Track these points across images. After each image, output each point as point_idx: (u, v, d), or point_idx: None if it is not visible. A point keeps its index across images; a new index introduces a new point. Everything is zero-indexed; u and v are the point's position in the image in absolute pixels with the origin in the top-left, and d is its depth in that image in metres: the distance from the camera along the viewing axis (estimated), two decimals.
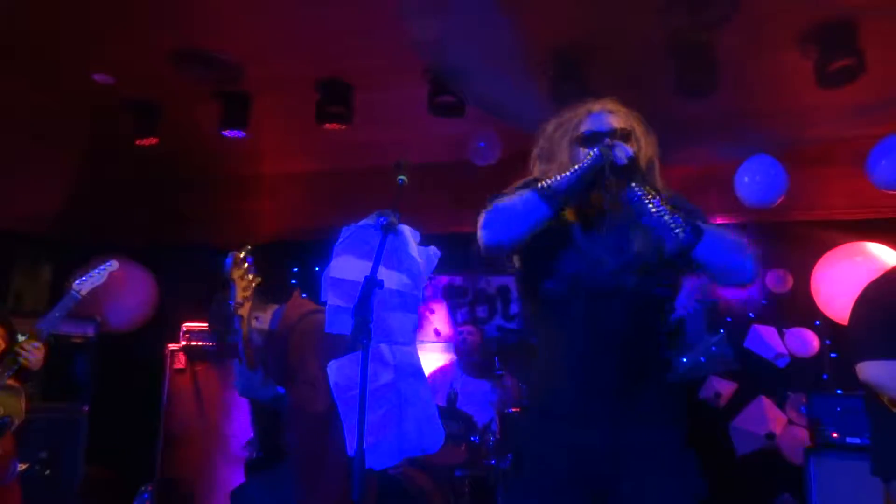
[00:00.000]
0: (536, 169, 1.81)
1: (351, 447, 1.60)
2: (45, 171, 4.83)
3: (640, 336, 1.66)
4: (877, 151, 3.75)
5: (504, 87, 3.72)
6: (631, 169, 1.57)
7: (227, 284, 2.28)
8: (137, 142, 4.14)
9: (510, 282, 5.47)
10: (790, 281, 4.73)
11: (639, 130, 1.74)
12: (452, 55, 3.50)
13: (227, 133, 4.03)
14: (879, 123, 3.84)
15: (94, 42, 3.53)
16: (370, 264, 1.60)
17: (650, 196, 1.57)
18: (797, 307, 4.66)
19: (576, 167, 1.60)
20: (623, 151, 1.58)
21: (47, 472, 3.98)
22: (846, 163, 4.07)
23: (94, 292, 3.03)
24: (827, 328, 4.55)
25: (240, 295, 2.26)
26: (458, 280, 5.53)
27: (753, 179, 4.06)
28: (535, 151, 1.84)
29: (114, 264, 3.11)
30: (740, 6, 3.03)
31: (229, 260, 2.28)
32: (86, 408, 4.43)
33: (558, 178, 1.59)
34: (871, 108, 3.78)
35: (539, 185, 1.60)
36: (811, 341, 4.60)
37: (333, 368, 1.76)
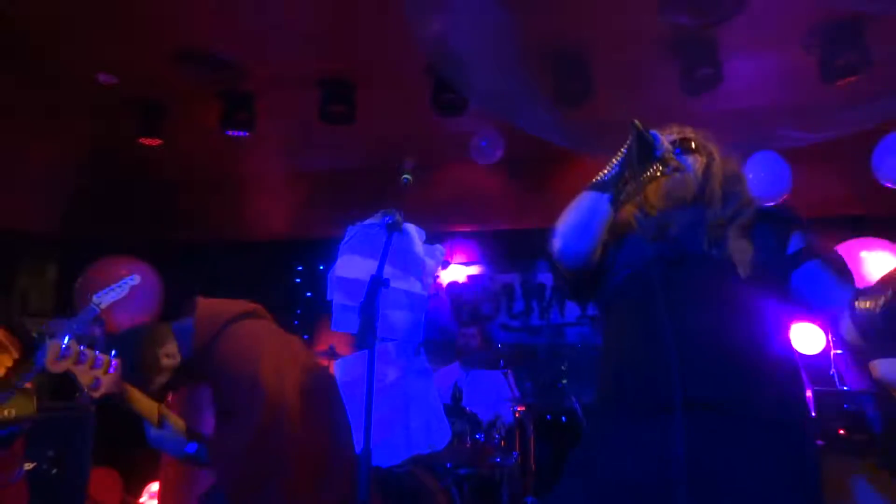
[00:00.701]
0: None
1: (358, 445, 1.60)
2: (50, 170, 4.85)
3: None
4: (883, 147, 3.73)
5: (507, 85, 3.72)
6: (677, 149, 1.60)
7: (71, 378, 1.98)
8: (141, 141, 4.16)
9: (514, 279, 5.47)
10: None
11: (712, 148, 1.70)
12: (455, 54, 3.50)
13: (230, 132, 4.04)
14: (884, 120, 3.82)
15: (98, 42, 3.54)
16: (376, 263, 1.60)
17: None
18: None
19: (618, 156, 1.59)
20: (658, 137, 1.56)
21: (54, 470, 3.98)
22: (851, 159, 4.06)
23: (115, 305, 3.00)
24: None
25: (85, 381, 1.98)
26: (463, 278, 5.53)
27: (758, 176, 4.05)
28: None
29: (136, 278, 3.07)
30: (745, 4, 3.02)
31: (41, 353, 2.04)
32: (93, 407, 4.43)
33: (605, 171, 1.59)
34: (875, 103, 3.77)
35: (597, 181, 1.60)
36: (817, 338, 4.59)
37: (340, 366, 1.77)
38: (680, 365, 1.39)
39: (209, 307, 2.14)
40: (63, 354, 1.94)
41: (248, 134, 4.06)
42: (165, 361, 2.08)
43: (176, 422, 2.12)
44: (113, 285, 2.89)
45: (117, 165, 4.85)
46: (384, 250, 1.63)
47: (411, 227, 1.83)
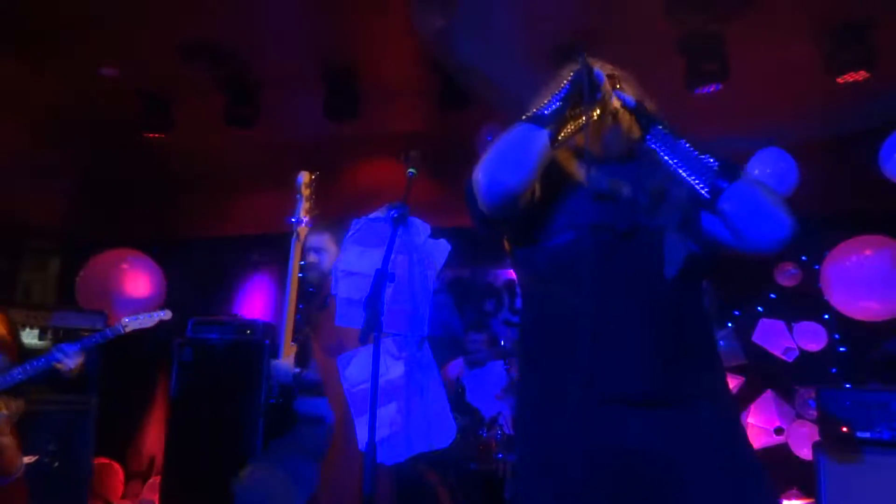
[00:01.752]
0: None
1: (362, 441, 1.59)
2: (53, 166, 4.84)
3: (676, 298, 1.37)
4: (890, 143, 3.71)
5: (512, 80, 3.70)
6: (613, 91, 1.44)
7: (296, 200, 2.44)
8: (145, 135, 4.15)
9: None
10: (799, 274, 4.71)
11: (632, 88, 1.55)
12: (460, 49, 3.48)
13: (233, 127, 4.04)
14: (892, 115, 3.81)
15: (102, 36, 3.52)
16: (381, 257, 1.60)
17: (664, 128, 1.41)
18: (806, 301, 4.63)
19: (556, 90, 1.40)
20: (602, 75, 1.42)
21: (56, 464, 3.99)
22: (858, 155, 4.04)
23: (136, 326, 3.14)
24: (836, 322, 4.52)
25: (302, 213, 2.44)
26: (466, 273, 5.52)
27: (764, 172, 4.03)
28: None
29: (167, 313, 3.21)
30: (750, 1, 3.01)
31: (300, 178, 2.49)
32: (94, 400, 4.44)
33: (542, 105, 1.40)
34: (883, 99, 3.75)
35: (525, 115, 1.40)
36: (820, 335, 4.57)
37: (344, 362, 1.76)
38: (594, 360, 1.27)
39: None
40: (310, 183, 2.52)
41: (251, 128, 4.05)
42: (310, 258, 2.54)
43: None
44: (144, 314, 3.08)
45: (120, 159, 4.84)
46: (389, 244, 1.62)
47: (416, 221, 1.82)
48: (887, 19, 3.10)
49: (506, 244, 1.55)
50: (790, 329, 4.68)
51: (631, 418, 1.29)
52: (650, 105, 1.52)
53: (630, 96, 1.46)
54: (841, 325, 4.51)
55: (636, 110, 1.43)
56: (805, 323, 4.62)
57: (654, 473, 1.28)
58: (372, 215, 1.81)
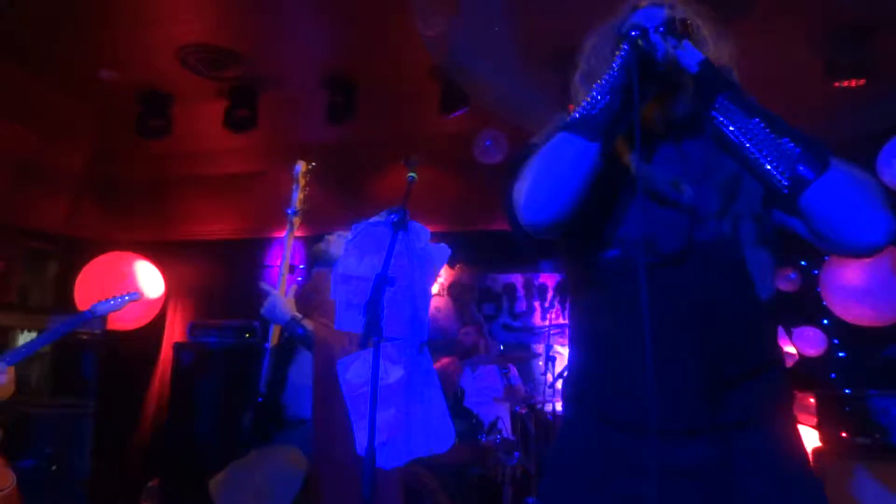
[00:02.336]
0: (578, 95, 1.28)
1: (361, 446, 1.59)
2: (52, 168, 4.84)
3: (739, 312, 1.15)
4: (888, 149, 3.72)
5: (512, 84, 3.71)
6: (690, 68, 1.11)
7: (292, 189, 2.45)
8: (143, 137, 4.15)
9: (516, 279, 5.46)
10: (798, 279, 4.71)
11: (707, 29, 1.24)
12: (460, 53, 3.49)
13: (234, 129, 4.04)
14: (891, 121, 3.81)
15: (100, 38, 3.53)
16: (380, 261, 1.59)
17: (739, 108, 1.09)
18: (805, 306, 4.63)
19: (605, 75, 1.12)
20: (666, 39, 1.11)
21: (53, 467, 3.98)
22: (856, 160, 4.04)
23: (111, 314, 3.08)
24: (835, 327, 4.52)
25: (298, 203, 2.43)
26: (465, 278, 5.52)
27: None
28: (576, 77, 1.32)
29: (137, 295, 3.14)
30: (752, 5, 3.01)
31: (298, 167, 2.47)
32: (92, 403, 4.43)
33: (588, 99, 1.12)
34: (882, 105, 3.76)
35: (567, 119, 1.13)
36: (819, 340, 4.58)
37: (344, 366, 1.75)
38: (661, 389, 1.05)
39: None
40: (307, 173, 2.49)
41: (251, 131, 4.05)
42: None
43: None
44: (114, 298, 2.98)
45: (120, 161, 4.84)
46: (389, 248, 1.62)
47: (416, 226, 1.82)
48: (886, 25, 3.11)
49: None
50: (789, 334, 4.68)
51: (675, 448, 1.12)
52: (726, 63, 1.24)
53: (697, 54, 1.13)
54: (840, 331, 4.51)
55: (699, 75, 1.12)
56: (804, 328, 4.62)
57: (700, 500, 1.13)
58: (372, 219, 1.81)
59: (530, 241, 1.23)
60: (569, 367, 1.35)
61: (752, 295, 1.14)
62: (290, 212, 2.45)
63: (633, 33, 1.12)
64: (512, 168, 1.23)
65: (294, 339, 2.32)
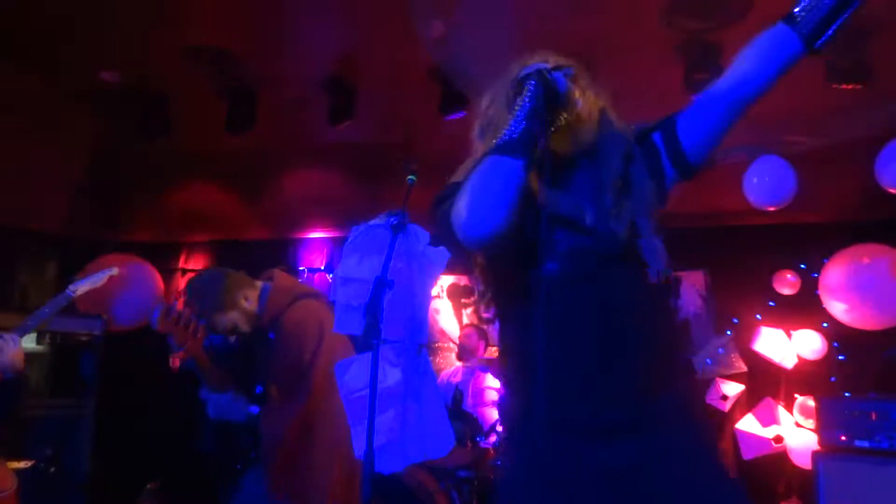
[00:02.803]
0: (476, 130, 1.52)
1: (359, 449, 1.59)
2: (51, 167, 4.84)
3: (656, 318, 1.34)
4: (887, 152, 3.72)
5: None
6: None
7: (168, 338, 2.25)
8: (143, 138, 4.15)
9: None
10: (798, 283, 4.71)
11: (583, 79, 1.43)
12: (459, 54, 3.49)
13: (234, 131, 4.04)
14: (890, 124, 3.81)
15: (102, 39, 3.53)
16: (380, 264, 1.59)
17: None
18: (805, 309, 4.63)
19: (518, 107, 1.28)
20: (561, 77, 1.31)
21: (52, 468, 3.98)
22: (856, 163, 4.05)
23: (90, 294, 3.01)
24: (835, 330, 4.52)
25: (179, 340, 2.25)
26: (464, 280, 5.52)
27: (762, 180, 4.03)
28: (476, 131, 1.52)
29: (114, 270, 3.09)
30: (750, 8, 3.01)
31: (156, 314, 2.25)
32: (91, 405, 4.43)
33: (507, 127, 1.28)
34: (881, 108, 3.76)
35: (493, 145, 1.29)
36: (819, 344, 4.58)
37: (342, 369, 1.75)
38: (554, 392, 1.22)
39: (286, 278, 2.43)
40: (170, 314, 2.21)
41: (251, 132, 4.05)
42: (243, 304, 2.27)
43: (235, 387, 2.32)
44: (91, 275, 2.93)
45: (119, 163, 4.84)
46: (389, 251, 1.62)
47: (416, 228, 1.82)
48: (886, 28, 3.11)
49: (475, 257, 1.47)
50: (789, 337, 4.68)
51: (603, 447, 1.27)
52: (605, 104, 1.47)
53: (563, 77, 1.33)
54: (840, 334, 4.51)
55: (560, 95, 1.31)
56: (804, 331, 4.63)
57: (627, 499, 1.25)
58: (371, 222, 1.81)
59: (471, 253, 1.40)
60: (508, 381, 1.48)
61: (654, 294, 1.33)
62: (174, 349, 2.27)
63: (539, 67, 1.31)
64: (440, 202, 1.39)
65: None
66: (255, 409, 2.32)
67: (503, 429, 1.50)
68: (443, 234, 1.37)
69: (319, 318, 2.26)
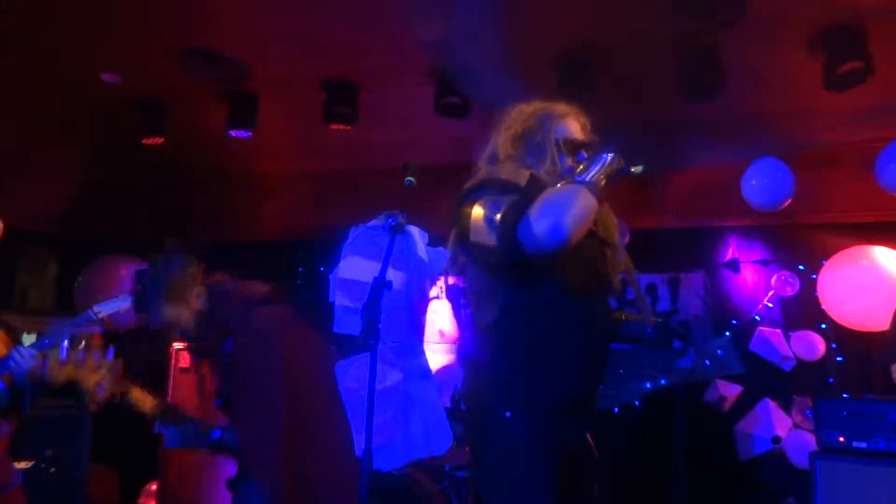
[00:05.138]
0: (510, 146, 1.87)
1: (359, 448, 1.60)
2: (51, 169, 4.85)
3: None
4: (886, 154, 3.73)
5: (511, 88, 3.72)
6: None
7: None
8: (144, 140, 4.16)
9: None
10: (796, 284, 4.72)
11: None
12: (458, 56, 3.50)
13: (233, 133, 4.04)
14: (888, 126, 3.83)
15: (101, 41, 3.54)
16: (379, 265, 1.60)
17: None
18: (803, 310, 4.64)
19: (597, 164, 1.69)
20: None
21: (52, 469, 3.99)
22: (854, 165, 4.06)
23: (112, 316, 3.01)
24: (833, 332, 4.52)
25: (89, 385, 2.19)
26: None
27: (761, 182, 4.05)
28: (513, 130, 1.89)
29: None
30: (748, 8, 3.02)
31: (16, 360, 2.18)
32: (94, 406, 4.43)
33: (591, 172, 1.67)
34: (880, 110, 3.77)
35: (581, 179, 1.65)
36: (817, 345, 4.58)
37: (342, 369, 1.76)
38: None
39: (248, 284, 2.42)
40: (64, 360, 2.10)
41: (251, 134, 4.06)
42: (194, 302, 2.25)
43: (189, 411, 2.29)
44: (115, 298, 2.89)
45: (119, 164, 4.85)
46: (387, 252, 1.63)
47: (414, 230, 1.83)
48: (885, 29, 3.12)
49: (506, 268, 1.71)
50: (787, 338, 4.68)
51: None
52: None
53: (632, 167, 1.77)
54: (838, 335, 4.52)
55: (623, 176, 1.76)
56: (802, 332, 4.63)
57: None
58: (370, 223, 1.82)
59: (521, 263, 1.64)
60: (511, 374, 1.71)
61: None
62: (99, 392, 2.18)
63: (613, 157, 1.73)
64: (511, 204, 1.64)
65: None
66: (217, 433, 2.26)
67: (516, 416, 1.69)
68: (507, 240, 1.61)
69: (279, 322, 2.24)
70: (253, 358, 2.18)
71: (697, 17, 3.13)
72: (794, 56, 3.34)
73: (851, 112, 3.80)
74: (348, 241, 1.84)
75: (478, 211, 1.66)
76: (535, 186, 1.66)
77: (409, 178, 1.80)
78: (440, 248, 1.94)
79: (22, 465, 2.95)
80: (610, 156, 1.70)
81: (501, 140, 1.89)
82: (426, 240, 1.88)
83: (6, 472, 2.66)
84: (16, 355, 2.50)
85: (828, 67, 3.30)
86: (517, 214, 1.60)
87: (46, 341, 2.65)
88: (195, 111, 4.20)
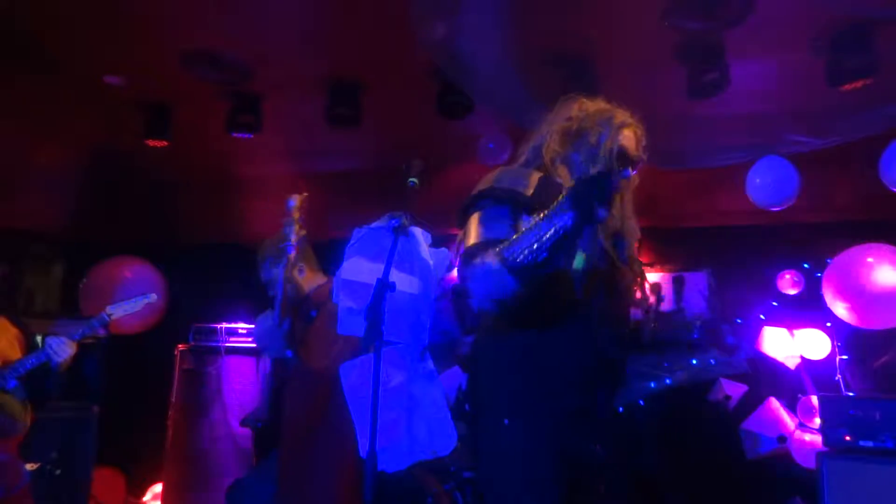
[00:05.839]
0: (559, 142, 1.79)
1: (363, 449, 1.60)
2: (57, 171, 4.86)
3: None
4: (891, 151, 3.71)
5: (513, 87, 3.71)
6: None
7: (287, 223, 2.46)
8: (148, 142, 4.17)
9: None
10: (802, 282, 4.70)
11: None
12: (461, 56, 3.49)
13: (236, 134, 4.05)
14: (893, 124, 3.80)
15: (106, 43, 3.54)
16: (382, 266, 1.60)
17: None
18: (809, 309, 4.62)
19: (538, 230, 1.51)
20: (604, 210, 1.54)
21: (57, 471, 4.00)
22: (859, 163, 4.04)
23: (126, 318, 3.06)
24: (838, 330, 4.51)
25: (294, 237, 2.44)
26: None
27: (765, 180, 4.03)
28: (568, 125, 1.79)
29: (152, 297, 3.11)
30: (752, 7, 3.01)
31: (292, 202, 2.51)
32: (96, 408, 4.44)
33: (521, 243, 1.53)
34: (885, 107, 3.75)
35: (502, 252, 1.53)
36: (823, 343, 4.56)
37: (346, 370, 1.76)
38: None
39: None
40: (301, 205, 2.56)
41: (253, 136, 4.07)
42: (295, 273, 2.56)
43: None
44: (129, 300, 2.93)
45: (123, 166, 4.86)
46: (390, 253, 1.63)
47: (417, 231, 1.83)
48: (889, 26, 3.10)
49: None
50: (793, 337, 4.67)
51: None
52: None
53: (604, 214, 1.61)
54: (843, 334, 4.50)
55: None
56: (808, 331, 4.61)
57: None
58: (373, 224, 1.82)
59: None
60: (507, 378, 1.69)
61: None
62: (287, 246, 2.41)
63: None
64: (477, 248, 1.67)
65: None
66: (290, 352, 2.45)
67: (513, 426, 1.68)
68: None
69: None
70: (323, 324, 2.46)
71: (700, 18, 3.12)
72: (800, 53, 3.34)
73: (857, 109, 3.78)
74: (352, 243, 1.84)
75: (473, 227, 1.68)
76: (546, 192, 1.60)
77: (413, 180, 1.79)
78: (443, 249, 1.93)
79: (28, 466, 2.96)
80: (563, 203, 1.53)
81: (551, 132, 1.80)
82: (429, 240, 1.88)
83: (17, 472, 2.68)
84: (55, 343, 2.67)
85: (831, 65, 3.29)
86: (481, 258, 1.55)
87: (79, 333, 2.73)
88: (199, 113, 4.21)
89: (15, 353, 2.75)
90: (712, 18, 3.15)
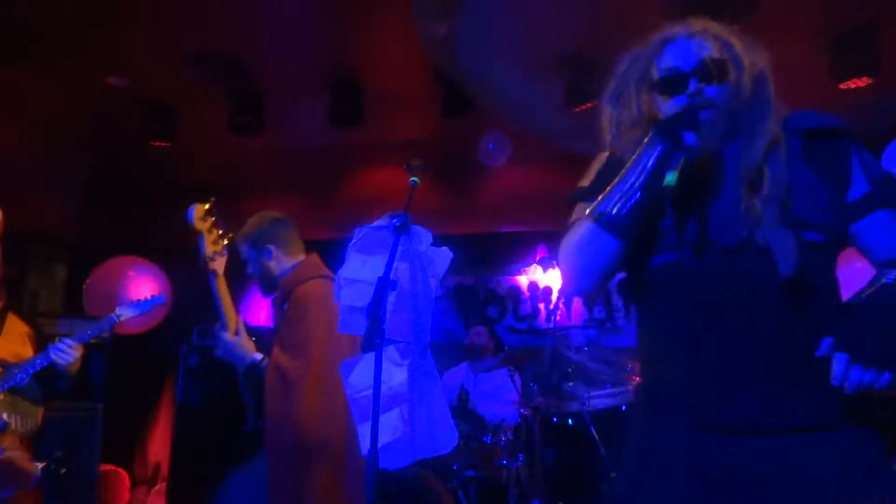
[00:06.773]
0: (606, 116, 1.42)
1: (364, 447, 1.60)
2: (61, 173, 4.88)
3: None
4: (891, 151, 3.71)
5: (516, 87, 3.72)
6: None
7: (196, 238, 2.26)
8: (151, 143, 4.19)
9: (521, 282, 5.47)
10: None
11: (738, 47, 1.33)
12: (464, 56, 3.50)
13: (240, 135, 4.07)
14: (892, 123, 3.80)
15: (110, 45, 3.56)
16: (383, 265, 1.61)
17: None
18: None
19: (635, 163, 1.22)
20: (690, 137, 1.20)
21: (63, 470, 4.01)
22: None
23: (136, 319, 3.06)
24: None
25: (209, 249, 2.29)
26: (469, 280, 5.53)
27: None
28: (606, 94, 1.43)
29: (163, 298, 3.11)
30: (755, 6, 3.02)
31: (191, 212, 2.30)
32: (101, 407, 4.46)
33: (616, 189, 1.23)
34: (884, 107, 3.75)
35: (593, 209, 1.25)
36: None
37: (347, 369, 1.77)
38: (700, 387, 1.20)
39: (315, 259, 2.50)
40: (207, 214, 2.31)
41: (256, 135, 4.09)
42: (263, 257, 2.45)
43: (245, 335, 2.39)
44: (139, 301, 2.94)
45: (127, 167, 4.88)
46: (392, 252, 1.63)
47: (418, 229, 1.83)
48: (891, 25, 3.10)
49: None
50: None
51: (741, 447, 1.17)
52: (762, 70, 1.36)
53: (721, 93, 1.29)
54: None
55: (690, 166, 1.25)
56: None
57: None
58: (374, 223, 1.82)
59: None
60: (646, 376, 1.40)
61: (784, 287, 1.20)
62: (202, 261, 2.28)
63: (672, 124, 1.23)
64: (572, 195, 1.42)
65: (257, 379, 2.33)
66: (258, 356, 2.36)
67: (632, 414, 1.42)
68: None
69: (325, 296, 2.24)
70: (293, 317, 2.37)
71: (702, 15, 3.12)
72: (801, 51, 3.34)
73: (858, 106, 3.78)
74: (353, 241, 1.84)
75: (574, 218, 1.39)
76: (605, 176, 1.31)
77: (414, 178, 1.80)
78: (444, 248, 1.94)
79: (36, 465, 2.98)
80: (658, 146, 1.22)
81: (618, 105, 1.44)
82: (430, 239, 1.89)
83: (29, 469, 2.70)
84: (60, 346, 2.65)
85: (834, 62, 3.29)
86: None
87: (87, 334, 2.74)
88: (203, 114, 4.23)
89: (27, 351, 2.78)
90: (715, 16, 3.15)
